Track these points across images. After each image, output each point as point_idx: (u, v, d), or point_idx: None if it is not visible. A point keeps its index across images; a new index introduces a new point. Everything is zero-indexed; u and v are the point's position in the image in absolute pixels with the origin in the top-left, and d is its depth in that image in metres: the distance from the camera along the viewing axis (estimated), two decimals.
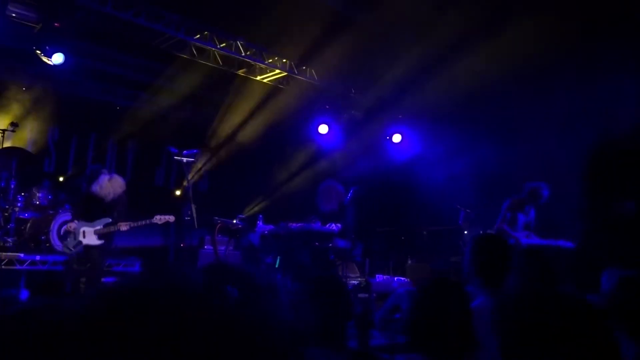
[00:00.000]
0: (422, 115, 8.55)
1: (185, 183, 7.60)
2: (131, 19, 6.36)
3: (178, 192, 9.04)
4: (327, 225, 6.66)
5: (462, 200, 7.43)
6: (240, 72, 8.04)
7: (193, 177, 8.62)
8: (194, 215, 5.56)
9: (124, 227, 5.29)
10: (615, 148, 6.33)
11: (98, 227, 5.36)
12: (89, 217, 5.37)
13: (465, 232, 7.30)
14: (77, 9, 6.00)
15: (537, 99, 7.27)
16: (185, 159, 5.61)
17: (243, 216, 7.56)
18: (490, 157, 7.77)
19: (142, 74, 8.17)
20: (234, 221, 7.10)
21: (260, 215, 7.00)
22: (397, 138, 9.43)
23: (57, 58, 6.31)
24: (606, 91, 6.36)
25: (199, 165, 8.96)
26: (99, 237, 5.36)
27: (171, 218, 5.47)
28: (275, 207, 8.45)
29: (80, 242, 5.35)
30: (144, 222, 5.35)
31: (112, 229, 5.33)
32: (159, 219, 5.41)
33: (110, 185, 5.35)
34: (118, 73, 8.13)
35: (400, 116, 9.15)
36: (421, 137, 9.28)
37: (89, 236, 5.35)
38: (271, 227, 6.79)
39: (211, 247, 7.18)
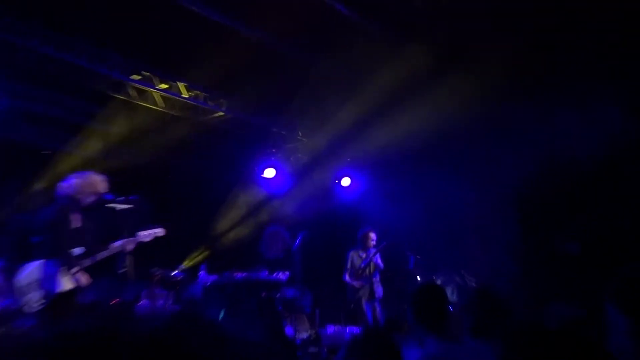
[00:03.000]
0: (371, 158, 8.78)
1: (121, 231, 7.38)
2: (63, 57, 6.29)
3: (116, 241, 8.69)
4: (275, 274, 6.69)
5: (413, 245, 7.65)
6: (182, 113, 8.07)
7: (130, 226, 8.24)
8: (130, 266, 5.32)
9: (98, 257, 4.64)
10: (556, 187, 6.80)
11: (69, 265, 4.65)
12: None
13: (418, 277, 7.49)
14: (17, 50, 5.84)
15: (488, 140, 7.68)
16: (122, 206, 5.34)
17: (184, 266, 7.44)
18: (440, 199, 8.09)
19: (77, 117, 7.99)
20: (174, 272, 6.95)
21: (203, 265, 6.96)
22: (346, 181, 9.63)
23: None
24: (557, 129, 6.81)
25: (140, 213, 8.69)
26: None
27: (160, 231, 5.18)
28: (220, 256, 8.35)
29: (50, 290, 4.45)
30: (123, 243, 4.78)
31: (87, 262, 4.58)
32: (143, 235, 5.03)
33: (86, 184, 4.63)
34: (51, 115, 7.91)
35: (348, 159, 9.38)
36: (370, 180, 9.50)
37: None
38: (215, 277, 6.72)
39: (148, 302, 6.93)
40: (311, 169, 9.33)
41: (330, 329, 7.38)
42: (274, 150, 9.20)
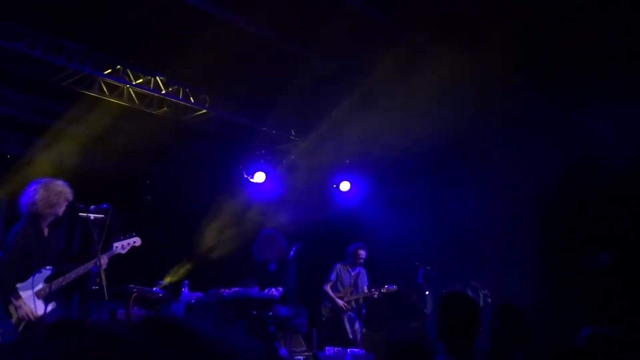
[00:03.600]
0: (373, 160, 8.74)
1: (92, 244, 7.20)
2: (25, 51, 6.09)
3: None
4: (266, 290, 6.63)
5: (422, 256, 7.72)
6: (160, 112, 7.90)
7: (103, 237, 8.12)
8: (104, 283, 5.15)
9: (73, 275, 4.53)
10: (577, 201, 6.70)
11: (40, 287, 4.46)
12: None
13: (427, 292, 7.60)
14: None
15: (507, 143, 7.63)
16: (92, 216, 5.24)
17: (164, 283, 7.35)
18: (451, 206, 8.11)
19: (39, 116, 7.74)
20: (154, 289, 6.88)
21: (186, 281, 6.93)
22: (345, 186, 9.58)
23: None
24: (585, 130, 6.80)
25: (111, 224, 8.52)
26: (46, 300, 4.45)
27: (136, 241, 5.14)
28: (204, 271, 8.24)
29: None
30: (96, 260, 4.64)
31: (59, 282, 4.46)
32: (120, 246, 4.97)
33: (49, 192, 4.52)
34: (8, 115, 7.66)
35: (347, 161, 9.32)
36: (372, 184, 9.47)
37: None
38: (199, 294, 6.73)
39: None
40: (306, 172, 9.25)
41: (329, 350, 7.29)
42: (263, 151, 9.16)
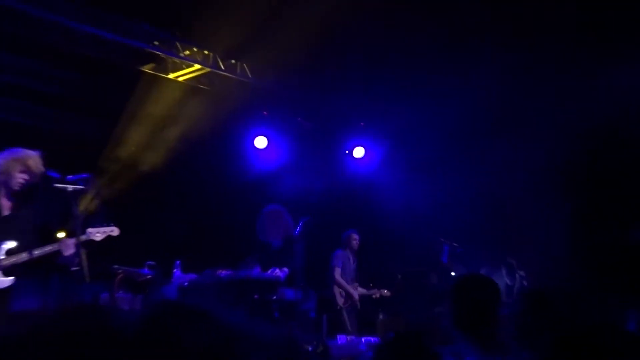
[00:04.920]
0: (392, 122, 8.75)
1: (71, 220, 7.46)
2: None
3: (62, 233, 8.72)
4: (270, 271, 6.72)
5: (447, 231, 7.78)
6: (147, 68, 8.05)
7: (83, 211, 8.29)
8: (85, 263, 5.25)
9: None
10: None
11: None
12: None
13: (452, 273, 7.66)
14: None
15: (545, 103, 7.76)
16: (70, 187, 5.31)
17: (154, 263, 7.42)
18: (483, 174, 8.12)
19: (4, 74, 7.84)
20: (142, 270, 7.02)
21: (178, 261, 6.99)
22: (359, 152, 9.59)
23: None
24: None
25: (91, 194, 8.69)
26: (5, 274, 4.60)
27: (113, 231, 5.32)
28: (198, 249, 8.29)
29: None
30: (66, 241, 4.80)
31: (22, 257, 4.61)
32: (94, 232, 5.12)
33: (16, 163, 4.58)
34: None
35: (362, 124, 9.32)
36: (391, 150, 9.46)
37: None
38: (193, 276, 6.81)
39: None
40: (315, 136, 9.30)
41: (342, 339, 7.38)
42: (265, 113, 9.16)
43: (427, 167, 8.79)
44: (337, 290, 8.24)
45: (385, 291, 8.50)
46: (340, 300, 8.23)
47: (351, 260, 8.49)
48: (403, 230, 8.49)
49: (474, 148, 8.26)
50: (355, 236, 8.46)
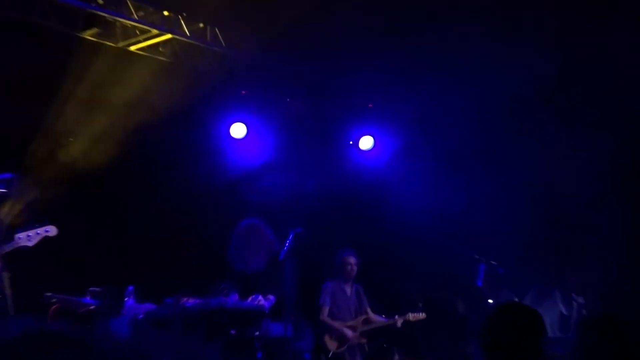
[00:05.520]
0: (410, 104, 8.65)
1: None
2: None
3: None
4: (251, 299, 6.67)
5: (484, 246, 7.67)
6: (88, 34, 7.88)
7: (6, 220, 7.99)
8: (8, 291, 5.50)
9: None
10: None
11: None
12: None
13: (490, 300, 7.59)
14: None
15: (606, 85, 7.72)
16: None
17: (99, 289, 7.32)
18: (530, 172, 8.16)
19: None
20: (83, 299, 6.97)
21: (131, 287, 6.92)
22: (366, 143, 9.48)
23: None
24: None
25: (16, 200, 8.44)
26: None
27: (50, 230, 5.54)
28: (157, 271, 8.19)
29: None
30: None
31: None
32: (25, 237, 5.29)
33: None
34: None
35: (370, 105, 9.25)
36: (409, 139, 9.37)
37: None
38: (150, 306, 6.76)
39: None
40: (309, 122, 9.15)
41: None
42: (243, 92, 8.97)
43: (458, 161, 8.71)
44: (326, 333, 8.10)
45: (411, 315, 8.07)
46: (332, 346, 8.06)
47: (348, 292, 8.30)
48: (425, 245, 8.41)
49: (521, 137, 8.21)
50: (350, 260, 8.21)
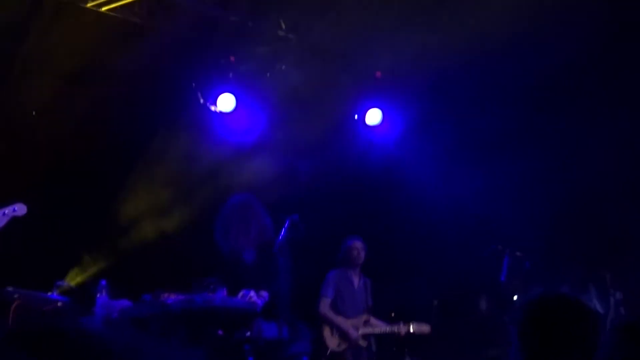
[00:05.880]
0: (423, 72, 8.62)
1: None
2: None
3: None
4: (241, 295, 6.69)
5: (508, 236, 7.71)
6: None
7: None
8: None
9: None
10: None
11: None
12: None
13: (515, 296, 7.69)
14: None
15: None
16: None
17: (66, 284, 7.46)
18: (562, 153, 8.24)
19: None
20: (49, 295, 7.04)
21: (104, 282, 6.95)
22: (373, 116, 9.47)
23: None
24: None
25: None
26: None
27: (18, 209, 5.66)
28: (133, 264, 8.31)
29: None
30: None
31: None
32: None
33: None
34: None
35: (378, 73, 9.23)
36: (424, 114, 9.34)
37: None
38: (126, 302, 6.80)
39: None
40: (306, 94, 9.04)
41: None
42: (232, 58, 8.91)
43: (481, 142, 8.67)
44: (326, 328, 8.06)
45: (414, 326, 8.07)
46: (332, 343, 8.05)
47: (355, 283, 8.31)
48: (441, 234, 8.44)
49: (555, 117, 8.23)
50: (357, 245, 8.24)
